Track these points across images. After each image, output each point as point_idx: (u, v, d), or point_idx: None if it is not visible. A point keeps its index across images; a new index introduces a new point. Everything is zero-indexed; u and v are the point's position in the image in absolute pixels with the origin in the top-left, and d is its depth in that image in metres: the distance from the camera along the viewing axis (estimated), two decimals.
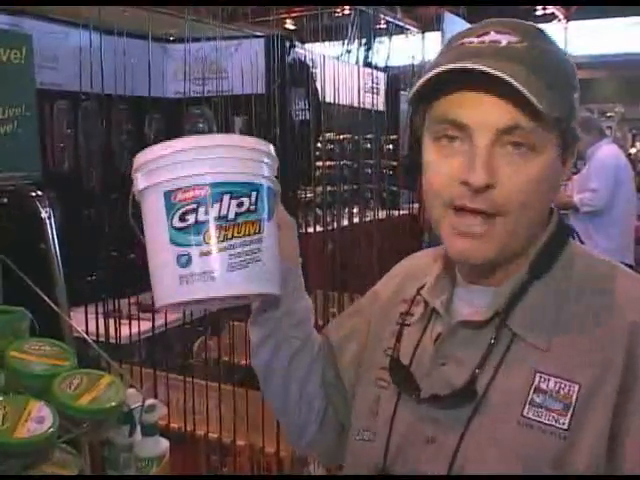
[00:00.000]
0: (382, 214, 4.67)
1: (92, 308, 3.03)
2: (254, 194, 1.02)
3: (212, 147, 1.01)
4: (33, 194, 1.73)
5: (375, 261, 3.98)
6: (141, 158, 1.04)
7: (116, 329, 3.13)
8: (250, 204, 1.01)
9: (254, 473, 2.90)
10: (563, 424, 0.93)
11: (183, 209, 0.99)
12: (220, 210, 0.99)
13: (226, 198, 0.99)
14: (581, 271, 1.04)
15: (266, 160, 1.06)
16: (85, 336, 1.54)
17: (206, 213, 0.99)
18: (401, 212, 5.26)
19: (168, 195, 1.00)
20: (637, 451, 0.91)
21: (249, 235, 1.01)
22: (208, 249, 0.99)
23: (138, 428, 1.41)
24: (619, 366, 0.93)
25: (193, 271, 0.99)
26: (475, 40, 0.98)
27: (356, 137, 4.75)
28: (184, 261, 0.99)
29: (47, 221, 1.70)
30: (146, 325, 3.32)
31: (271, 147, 1.08)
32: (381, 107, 5.84)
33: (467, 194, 0.96)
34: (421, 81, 0.97)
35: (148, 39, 3.60)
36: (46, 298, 1.48)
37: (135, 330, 3.29)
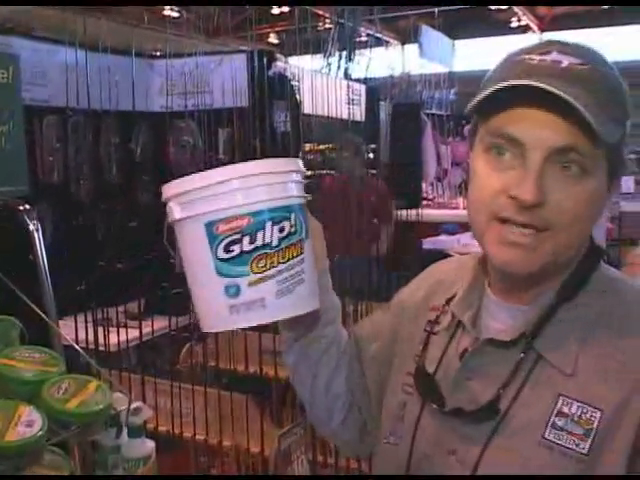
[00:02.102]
0: None
1: (82, 317, 3.05)
2: (292, 216, 1.02)
3: (247, 176, 1.00)
4: (21, 208, 1.74)
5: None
6: (174, 189, 1.02)
7: (105, 337, 3.15)
8: (290, 227, 1.01)
9: (241, 472, 2.92)
10: (583, 449, 0.92)
11: (227, 240, 0.98)
12: (264, 238, 0.98)
13: (268, 225, 0.99)
14: (610, 295, 1.02)
15: (295, 177, 1.05)
16: (72, 343, 1.55)
17: (250, 242, 0.98)
18: None
19: (209, 226, 0.99)
20: None
21: (292, 258, 1.01)
22: (256, 278, 0.98)
23: (125, 430, 1.43)
24: None
25: (243, 301, 0.99)
26: (536, 58, 0.97)
27: (337, 147, 4.78)
28: (233, 292, 0.99)
29: (35, 234, 1.72)
30: (134, 333, 3.34)
31: (299, 162, 1.07)
32: (361, 117, 5.88)
33: (514, 208, 0.94)
34: (482, 94, 0.96)
35: (132, 56, 3.63)
36: (35, 307, 1.50)
37: (123, 338, 3.31)
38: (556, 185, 0.94)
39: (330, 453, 3.06)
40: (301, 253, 1.03)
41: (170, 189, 1.03)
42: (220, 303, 1.00)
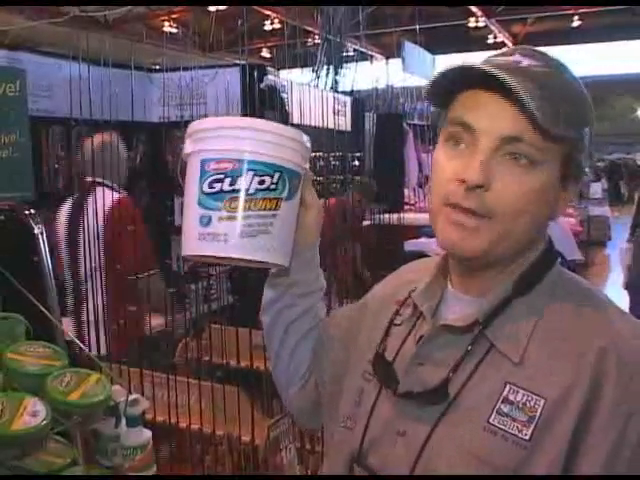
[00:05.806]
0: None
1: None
2: (277, 175, 1.05)
3: (248, 129, 1.05)
4: (27, 212, 1.75)
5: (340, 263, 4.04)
6: (192, 127, 1.09)
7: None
8: (271, 183, 1.05)
9: (233, 460, 2.93)
10: (525, 435, 0.91)
11: (212, 177, 1.04)
12: (243, 184, 1.04)
13: (250, 174, 1.03)
14: (561, 294, 1.01)
15: (294, 146, 1.08)
16: (74, 339, 1.57)
17: (230, 184, 1.03)
18: (365, 222, 5.30)
19: (204, 163, 1.05)
20: (591, 470, 0.89)
21: (265, 210, 1.05)
22: (226, 215, 1.04)
23: (123, 420, 1.43)
24: (584, 388, 0.91)
25: (210, 231, 1.04)
26: (500, 58, 0.99)
27: (325, 155, 4.80)
28: (205, 222, 1.04)
29: (39, 236, 1.73)
30: None
31: (304, 137, 1.11)
32: (347, 127, 5.91)
33: (461, 193, 0.95)
34: (433, 77, 0.97)
35: (131, 69, 3.64)
36: (40, 305, 1.50)
37: None
38: (502, 173, 0.94)
39: (318, 441, 3.07)
40: (275, 209, 1.06)
41: (190, 127, 1.10)
42: (194, 230, 1.06)
